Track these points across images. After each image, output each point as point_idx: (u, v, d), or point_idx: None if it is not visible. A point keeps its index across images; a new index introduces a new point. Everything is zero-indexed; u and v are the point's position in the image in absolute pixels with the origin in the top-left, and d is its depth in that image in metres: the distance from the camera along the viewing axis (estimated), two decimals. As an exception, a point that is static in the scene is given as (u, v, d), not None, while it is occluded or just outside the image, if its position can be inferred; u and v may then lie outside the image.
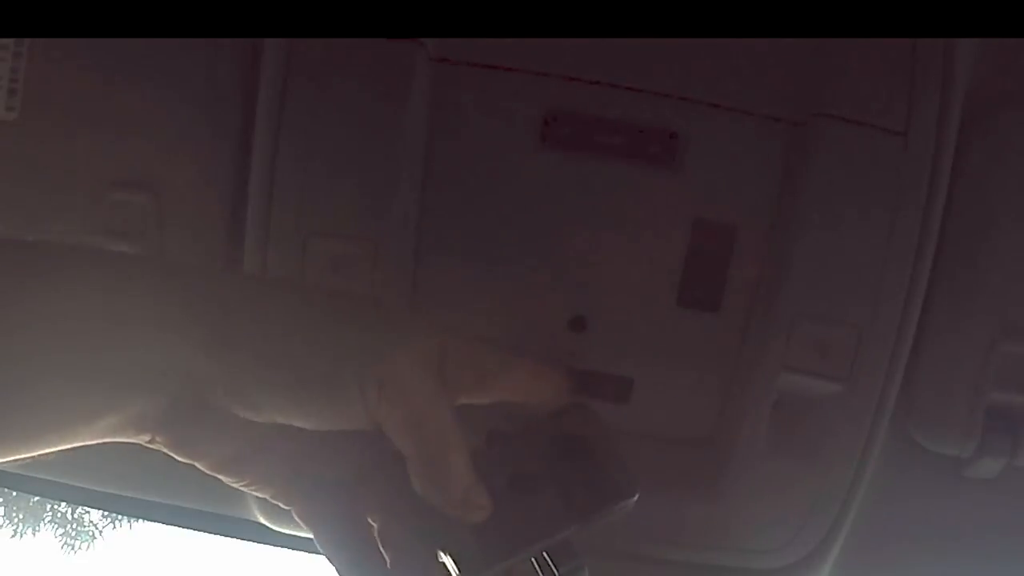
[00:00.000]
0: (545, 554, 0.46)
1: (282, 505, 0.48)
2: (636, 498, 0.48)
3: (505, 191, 0.66)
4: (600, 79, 0.65)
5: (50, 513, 8.15)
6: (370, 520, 0.47)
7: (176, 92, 0.66)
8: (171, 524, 0.90)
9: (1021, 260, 0.66)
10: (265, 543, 0.86)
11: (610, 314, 0.67)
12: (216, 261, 0.68)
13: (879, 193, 0.65)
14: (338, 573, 0.47)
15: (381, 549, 0.47)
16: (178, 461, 0.46)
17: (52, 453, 0.42)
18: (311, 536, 0.48)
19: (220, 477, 0.46)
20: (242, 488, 0.47)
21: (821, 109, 0.64)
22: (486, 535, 0.44)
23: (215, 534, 0.88)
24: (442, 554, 0.44)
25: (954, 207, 0.66)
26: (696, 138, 0.65)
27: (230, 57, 0.67)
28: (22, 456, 0.41)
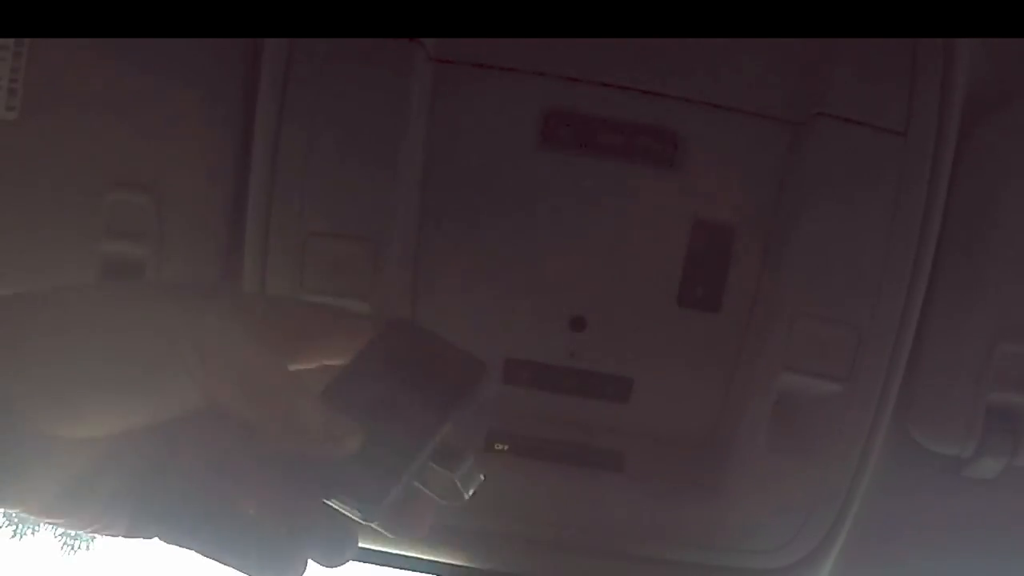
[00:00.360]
0: (433, 465, 0.46)
1: (141, 539, 0.44)
2: (491, 379, 0.48)
3: (505, 191, 0.66)
4: (600, 79, 0.65)
5: (50, 513, 8.14)
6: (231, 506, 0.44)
7: (176, 92, 0.66)
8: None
9: (1021, 260, 0.66)
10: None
11: (610, 314, 0.67)
12: (216, 261, 0.68)
13: (879, 193, 0.65)
14: (231, 565, 0.44)
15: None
16: None
17: None
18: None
19: (56, 522, 0.42)
20: (90, 532, 0.43)
21: (821, 109, 0.64)
22: (367, 468, 0.43)
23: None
24: (335, 504, 0.43)
25: (954, 207, 0.66)
26: (696, 138, 0.65)
27: (230, 57, 0.67)
28: None
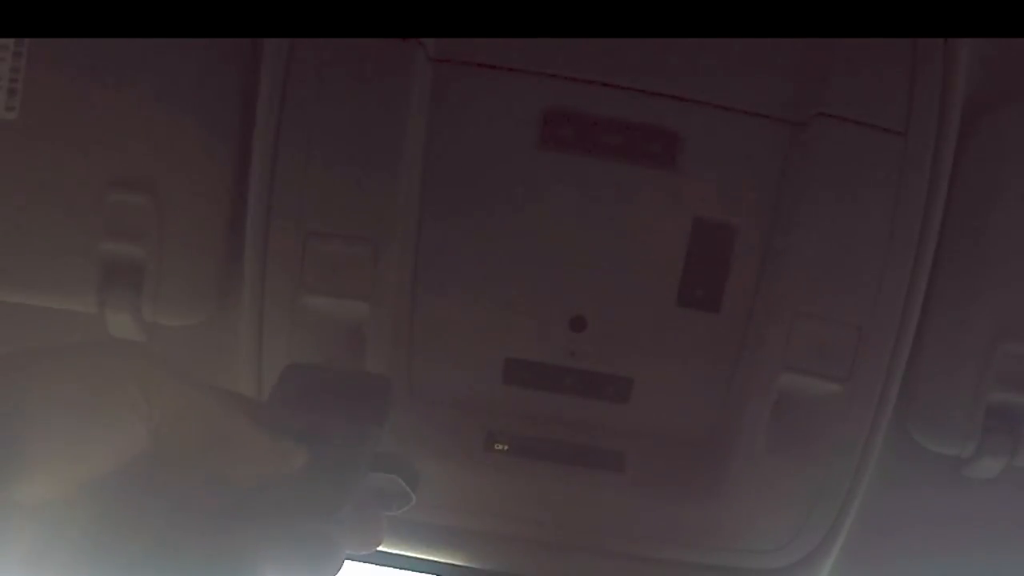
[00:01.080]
0: (375, 473, 0.47)
1: None
2: (392, 382, 0.51)
3: (505, 191, 0.66)
4: (600, 79, 0.65)
5: (50, 513, 8.13)
6: None
7: (176, 92, 0.66)
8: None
9: (1021, 260, 0.66)
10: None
11: (610, 314, 0.67)
12: (216, 261, 0.68)
13: (879, 193, 0.65)
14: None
15: None
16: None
17: None
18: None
19: None
20: None
21: (821, 109, 0.64)
22: (316, 484, 0.45)
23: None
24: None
25: (954, 207, 0.66)
26: (696, 138, 0.65)
27: (230, 57, 0.67)
28: None
